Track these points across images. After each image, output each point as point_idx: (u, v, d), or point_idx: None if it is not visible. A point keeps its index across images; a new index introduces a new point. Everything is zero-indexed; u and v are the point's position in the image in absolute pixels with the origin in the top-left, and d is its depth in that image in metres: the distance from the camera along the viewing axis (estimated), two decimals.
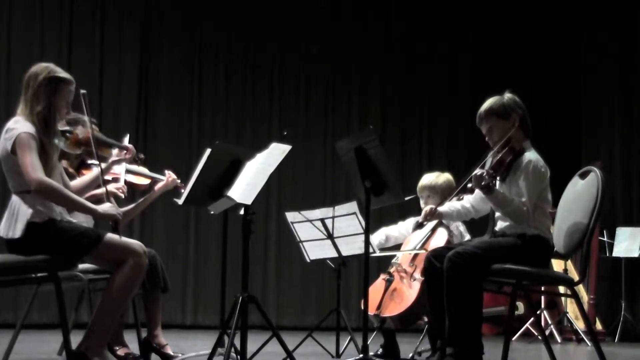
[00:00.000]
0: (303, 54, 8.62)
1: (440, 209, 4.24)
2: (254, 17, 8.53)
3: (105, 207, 3.69)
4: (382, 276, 4.85)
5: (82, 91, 3.77)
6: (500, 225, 3.94)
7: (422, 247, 4.73)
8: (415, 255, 4.76)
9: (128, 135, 4.63)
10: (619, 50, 8.34)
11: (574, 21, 8.85)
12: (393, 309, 4.61)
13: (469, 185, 3.85)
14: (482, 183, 3.73)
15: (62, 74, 3.74)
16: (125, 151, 4.14)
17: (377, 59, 8.79)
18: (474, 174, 3.79)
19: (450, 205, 4.22)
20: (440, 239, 4.69)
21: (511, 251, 3.77)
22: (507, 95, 4.00)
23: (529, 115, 4.00)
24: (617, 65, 8.36)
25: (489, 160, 3.95)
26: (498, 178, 3.89)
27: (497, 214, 3.95)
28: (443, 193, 4.74)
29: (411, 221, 5.09)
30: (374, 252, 4.77)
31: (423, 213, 4.34)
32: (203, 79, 8.37)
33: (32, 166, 3.52)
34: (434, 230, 4.81)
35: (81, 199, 3.73)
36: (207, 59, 8.40)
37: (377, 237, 5.00)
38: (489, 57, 8.98)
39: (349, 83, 8.75)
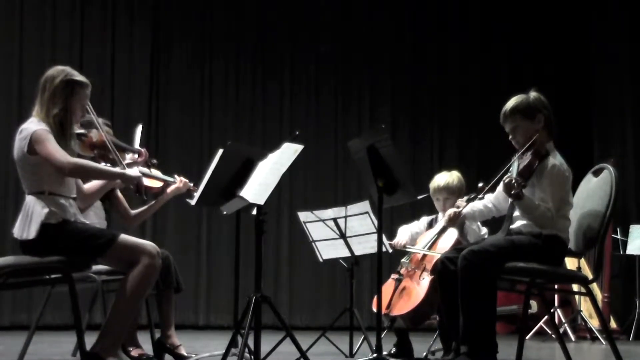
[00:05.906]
0: (313, 53, 8.62)
1: (464, 211, 4.08)
2: (264, 16, 8.55)
3: (130, 170, 3.75)
4: (393, 276, 4.84)
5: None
6: (518, 223, 3.88)
7: (432, 246, 4.71)
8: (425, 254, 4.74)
9: (140, 126, 4.60)
10: (629, 44, 8.29)
11: (583, 17, 8.84)
12: (402, 308, 4.60)
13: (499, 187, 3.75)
14: (512, 192, 3.66)
15: (79, 77, 3.76)
16: (138, 155, 4.14)
17: (387, 58, 8.79)
18: (502, 180, 3.71)
19: (473, 206, 4.09)
20: (449, 239, 4.67)
21: (526, 250, 3.73)
22: (533, 94, 3.89)
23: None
24: (628, 61, 8.31)
25: (515, 164, 3.82)
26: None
27: (516, 212, 3.88)
28: (459, 193, 4.73)
29: (425, 220, 5.07)
30: (387, 251, 4.76)
31: (447, 216, 4.16)
32: (214, 79, 8.39)
33: (58, 152, 3.56)
34: (444, 229, 4.78)
35: (106, 167, 3.78)
36: (218, 58, 8.42)
37: (405, 237, 4.96)
38: (498, 55, 8.96)
39: (359, 82, 8.75)
